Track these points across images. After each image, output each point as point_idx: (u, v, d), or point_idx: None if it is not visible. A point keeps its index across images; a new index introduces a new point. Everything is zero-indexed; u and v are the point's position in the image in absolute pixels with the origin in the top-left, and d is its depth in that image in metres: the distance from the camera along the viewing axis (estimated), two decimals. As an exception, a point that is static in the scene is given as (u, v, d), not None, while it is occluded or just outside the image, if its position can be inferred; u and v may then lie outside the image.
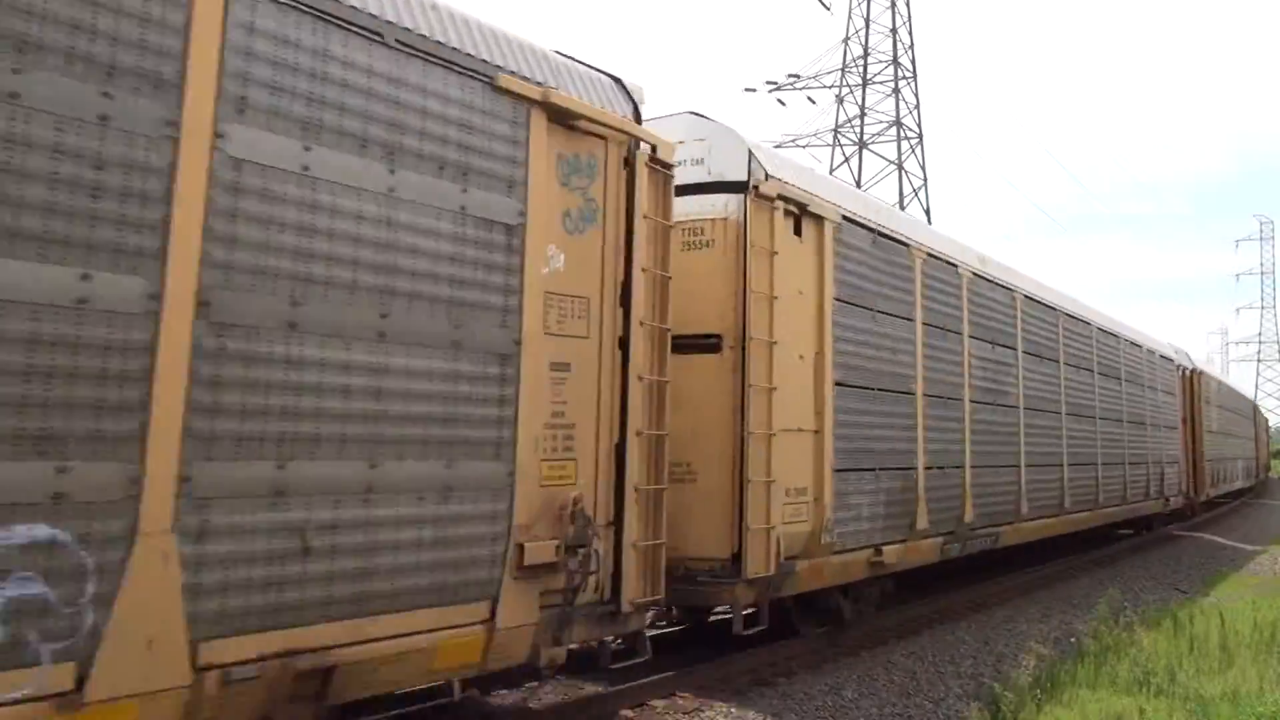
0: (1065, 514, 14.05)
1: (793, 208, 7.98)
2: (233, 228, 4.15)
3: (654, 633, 8.41)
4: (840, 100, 46.79)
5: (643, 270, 6.31)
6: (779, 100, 48.08)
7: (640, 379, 6.23)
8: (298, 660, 4.26)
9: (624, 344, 6.19)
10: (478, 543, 5.14)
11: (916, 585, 11.51)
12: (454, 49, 5.17)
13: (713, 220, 7.64)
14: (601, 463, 6.01)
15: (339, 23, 4.61)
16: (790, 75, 47.81)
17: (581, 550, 5.72)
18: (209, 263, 4.04)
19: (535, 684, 7.22)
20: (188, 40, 4.00)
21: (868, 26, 46.60)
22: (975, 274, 11.35)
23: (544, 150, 5.74)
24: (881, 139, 46.43)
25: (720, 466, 7.31)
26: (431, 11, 5.15)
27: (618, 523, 6.03)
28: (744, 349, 7.35)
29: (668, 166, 6.64)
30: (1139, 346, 18.95)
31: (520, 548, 5.30)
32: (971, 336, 11.13)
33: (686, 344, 7.55)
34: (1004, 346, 12.12)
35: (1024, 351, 12.76)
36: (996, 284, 12.03)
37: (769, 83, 48.39)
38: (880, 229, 9.29)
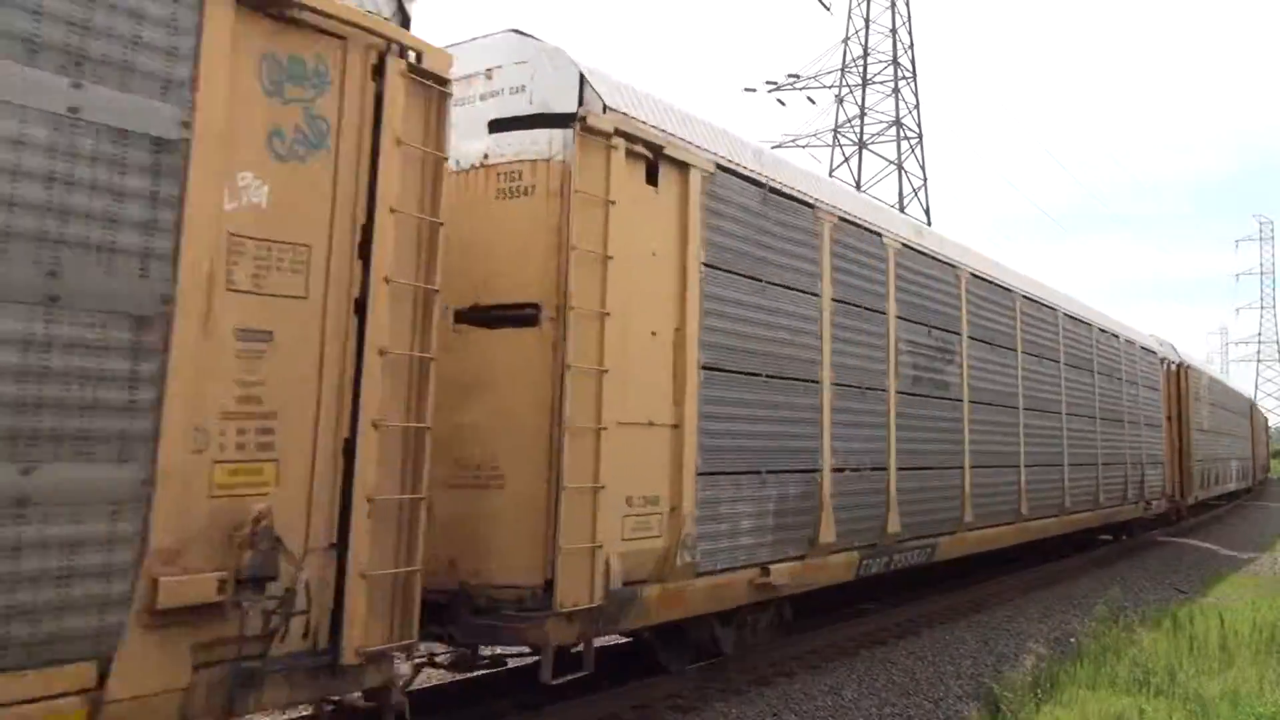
0: (1024, 521, 12.50)
1: (641, 149, 6.46)
2: None
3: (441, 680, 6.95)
4: (840, 100, 46.61)
5: (392, 211, 4.79)
6: (779, 100, 48.24)
7: (383, 353, 4.71)
8: None
9: (360, 307, 4.69)
10: (77, 579, 3.63)
11: (916, 586, 11.68)
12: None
13: (534, 162, 6.12)
14: (321, 465, 4.50)
15: None
16: (790, 75, 48.10)
17: (273, 584, 4.21)
18: None
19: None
20: None
21: (867, 26, 46.67)
22: (906, 245, 9.81)
23: (232, 43, 4.22)
24: (881, 139, 46.24)
25: (532, 469, 5.80)
26: None
27: (342, 545, 4.52)
28: (565, 321, 5.84)
29: (442, 82, 5.12)
30: (1115, 337, 17.38)
31: (154, 583, 3.80)
32: (901, 318, 9.59)
33: (498, 316, 6.05)
34: (945, 331, 10.57)
35: (971, 338, 11.21)
36: (935, 259, 10.48)
37: (769, 83, 48.20)
38: (772, 184, 7.76)
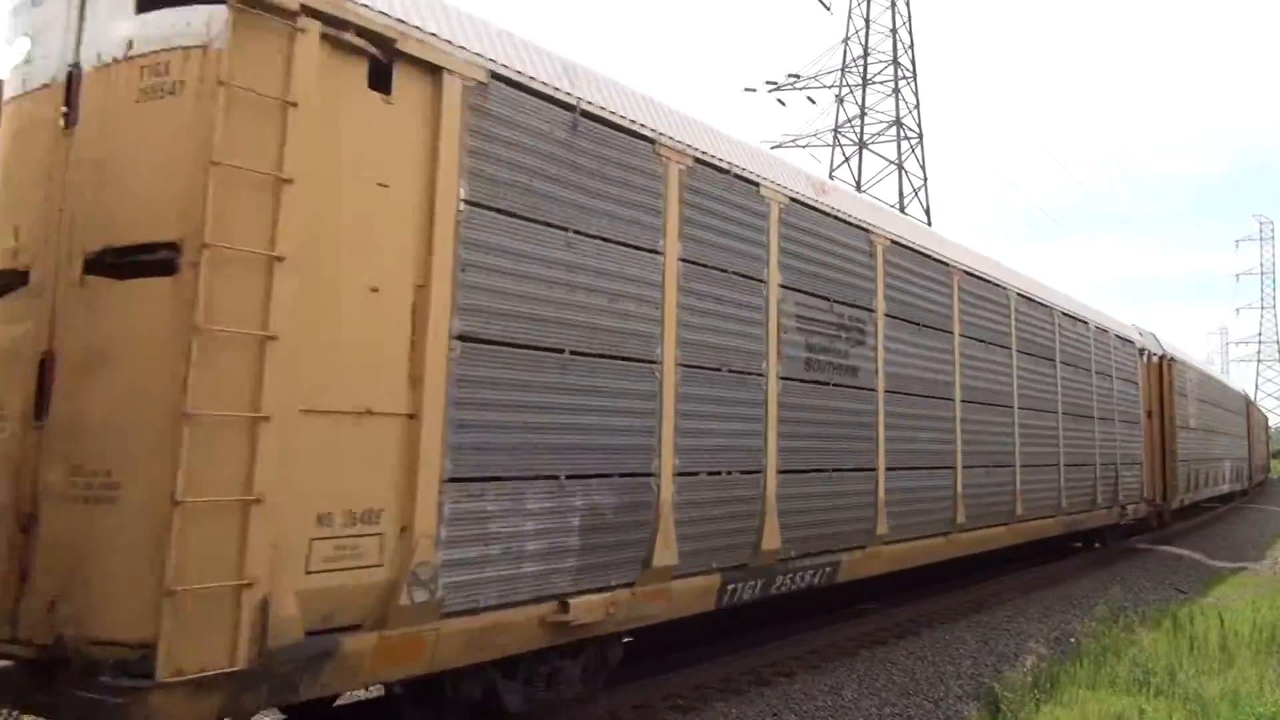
0: (960, 532, 10.76)
1: (358, 40, 4.76)
2: None
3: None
4: (840, 100, 46.00)
5: None
6: (779, 100, 47.74)
7: None
8: None
9: None
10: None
11: (914, 585, 11.54)
12: None
13: (186, 49, 4.42)
14: None
15: None
16: (790, 75, 47.65)
17: None
18: None
19: None
20: None
21: (868, 26, 46.27)
22: (796, 200, 8.09)
23: None
24: (881, 139, 45.65)
25: (152, 476, 4.09)
26: None
27: None
28: (200, 267, 4.14)
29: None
30: (1084, 323, 15.62)
31: None
32: (786, 287, 7.86)
33: (131, 262, 4.36)
34: (852, 307, 8.84)
35: (890, 315, 9.47)
36: (840, 219, 8.75)
37: (769, 83, 47.46)
38: (588, 107, 6.05)
